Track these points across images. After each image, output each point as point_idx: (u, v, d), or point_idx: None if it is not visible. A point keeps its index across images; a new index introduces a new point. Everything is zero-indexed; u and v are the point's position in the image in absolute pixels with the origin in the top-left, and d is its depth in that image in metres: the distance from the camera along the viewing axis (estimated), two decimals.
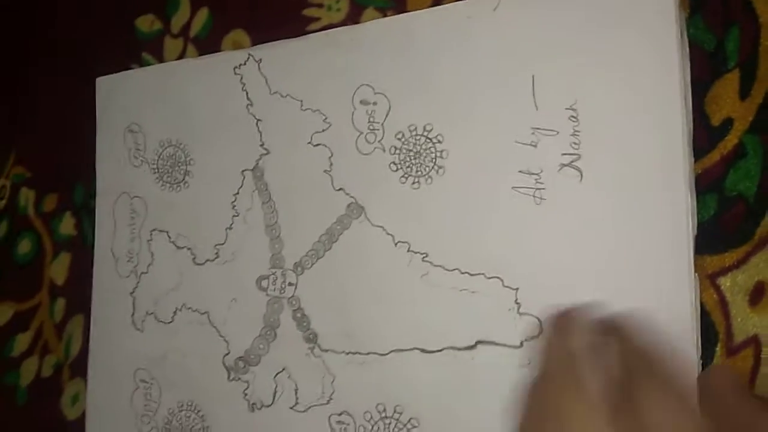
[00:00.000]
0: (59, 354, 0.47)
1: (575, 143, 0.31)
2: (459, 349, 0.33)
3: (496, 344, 0.32)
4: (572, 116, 0.31)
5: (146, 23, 0.47)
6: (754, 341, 0.30)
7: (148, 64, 0.46)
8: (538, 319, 0.32)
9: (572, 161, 0.31)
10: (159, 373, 0.42)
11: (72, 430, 0.45)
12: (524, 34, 0.33)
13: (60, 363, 0.47)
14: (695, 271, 0.29)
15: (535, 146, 0.32)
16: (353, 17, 0.39)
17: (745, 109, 0.31)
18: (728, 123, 0.31)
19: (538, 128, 0.32)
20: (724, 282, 0.30)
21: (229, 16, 0.44)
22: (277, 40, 0.41)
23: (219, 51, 0.43)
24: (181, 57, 0.45)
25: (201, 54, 0.44)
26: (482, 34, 0.34)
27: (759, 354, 0.29)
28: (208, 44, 0.44)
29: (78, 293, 0.46)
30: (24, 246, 0.50)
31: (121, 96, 0.45)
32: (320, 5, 0.41)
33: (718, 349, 0.30)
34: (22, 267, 0.50)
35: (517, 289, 0.32)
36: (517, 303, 0.32)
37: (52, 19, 0.52)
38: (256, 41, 0.42)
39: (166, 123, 0.43)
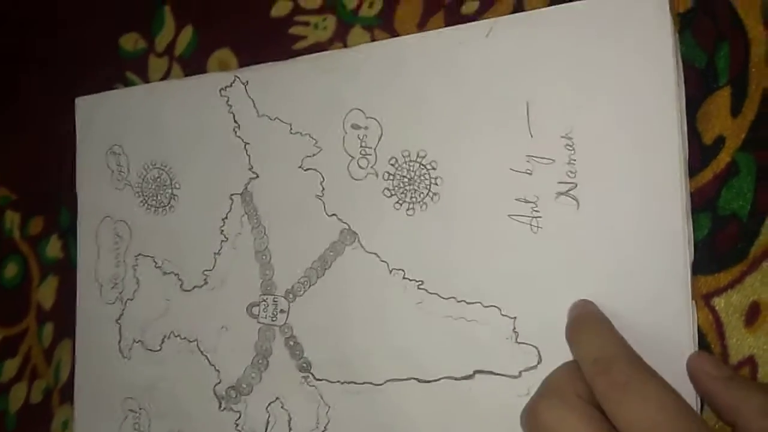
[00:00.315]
0: (48, 379, 0.46)
1: (571, 172, 0.31)
2: (456, 378, 0.33)
3: (494, 374, 0.32)
4: (568, 145, 0.31)
5: (130, 42, 0.46)
6: (750, 362, 0.29)
7: (132, 84, 0.45)
8: (537, 349, 0.31)
9: (568, 190, 0.31)
10: (148, 403, 0.41)
11: None
12: (517, 61, 0.32)
13: (49, 388, 0.46)
14: (692, 298, 0.29)
15: (530, 174, 0.32)
16: (340, 36, 0.39)
17: (737, 126, 0.30)
18: (720, 141, 0.31)
19: (533, 156, 0.32)
20: (719, 302, 0.30)
21: (214, 34, 0.43)
22: (264, 58, 0.40)
23: (205, 70, 0.43)
24: (165, 76, 0.44)
25: (186, 73, 0.43)
26: (474, 60, 0.33)
27: (755, 374, 0.29)
28: (193, 63, 0.43)
29: (66, 317, 0.45)
30: (10, 270, 0.49)
31: (102, 117, 0.44)
32: (306, 23, 0.40)
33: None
34: (8, 291, 0.49)
35: (515, 318, 0.32)
36: (515, 332, 0.32)
37: (34, 38, 0.51)
38: (242, 60, 0.42)
39: (150, 145, 0.42)
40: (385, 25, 0.38)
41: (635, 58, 0.30)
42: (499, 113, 0.33)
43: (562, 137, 0.31)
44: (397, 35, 0.37)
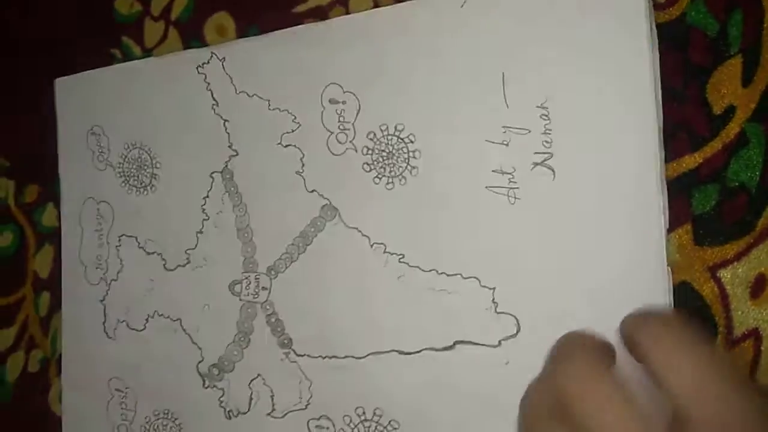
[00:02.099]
0: (45, 349, 0.46)
1: (547, 142, 0.31)
2: (437, 350, 0.33)
3: (474, 344, 0.32)
4: (543, 114, 0.31)
5: (125, 5, 0.45)
6: (755, 334, 0.29)
7: (129, 50, 0.44)
8: (516, 318, 0.32)
9: (544, 160, 0.31)
10: (134, 382, 0.41)
11: (60, 425, 0.45)
12: (492, 30, 0.32)
13: (47, 358, 0.46)
14: (669, 268, 0.29)
15: (507, 145, 0.32)
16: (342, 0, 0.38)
17: (747, 96, 0.30)
18: (730, 111, 0.30)
19: (509, 127, 0.32)
20: (725, 274, 0.30)
21: None
22: (262, 23, 0.39)
23: (202, 35, 0.42)
24: (161, 41, 0.43)
25: (183, 38, 0.42)
26: (450, 30, 0.33)
27: (759, 347, 0.29)
28: (190, 27, 0.42)
29: (62, 287, 0.45)
30: (5, 238, 0.49)
31: (81, 97, 0.44)
32: None
33: (717, 341, 0.29)
34: (4, 260, 0.48)
35: (494, 288, 0.32)
36: (494, 302, 0.32)
37: (29, 3, 0.50)
38: (240, 24, 0.41)
39: (130, 124, 0.42)
40: None
41: (609, 28, 0.30)
42: (475, 85, 0.32)
43: (538, 107, 0.31)
44: None
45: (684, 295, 0.30)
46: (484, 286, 0.32)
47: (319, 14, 0.38)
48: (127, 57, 0.44)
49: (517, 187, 0.32)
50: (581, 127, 0.30)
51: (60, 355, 0.45)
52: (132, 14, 0.45)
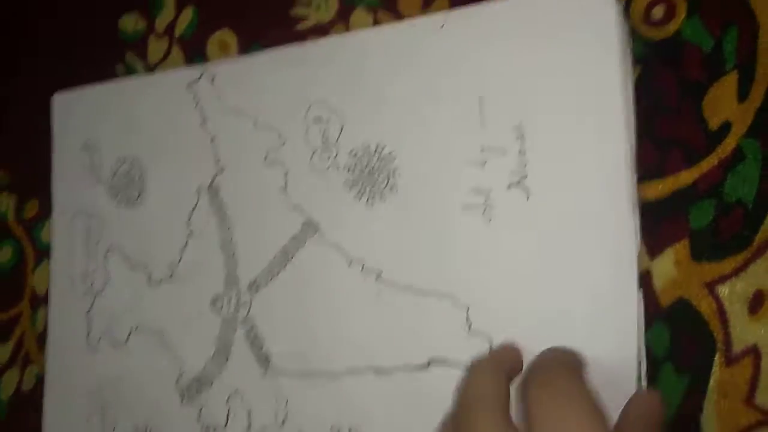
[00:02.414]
0: (41, 365, 0.46)
1: (522, 163, 0.31)
2: (412, 368, 0.33)
3: (449, 363, 0.32)
4: (519, 136, 0.31)
5: (130, 23, 0.46)
6: (754, 350, 0.29)
7: (132, 67, 0.45)
8: (489, 337, 0.31)
9: (519, 180, 0.31)
10: (114, 396, 0.41)
11: None
12: (471, 53, 0.33)
13: (41, 374, 0.46)
14: (641, 291, 0.29)
15: (483, 165, 0.32)
16: (342, 17, 0.38)
17: (743, 112, 0.30)
18: (726, 127, 0.30)
19: (486, 147, 0.32)
20: (722, 290, 0.29)
21: (215, 15, 0.43)
22: (265, 40, 0.40)
23: (204, 51, 0.42)
24: (165, 58, 0.44)
25: (186, 55, 0.43)
26: (430, 53, 0.34)
27: (759, 363, 0.29)
28: (193, 44, 0.43)
29: (49, 299, 0.45)
30: (4, 254, 0.49)
31: (76, 113, 0.44)
32: (308, 4, 0.40)
33: (716, 358, 0.29)
34: (2, 275, 0.49)
35: (468, 307, 0.32)
36: (468, 321, 0.32)
37: (35, 19, 0.51)
38: (243, 41, 0.41)
39: (121, 140, 0.42)
40: (388, 6, 0.37)
41: (583, 51, 0.31)
42: (453, 105, 0.33)
43: (513, 128, 0.32)
44: (401, 16, 0.37)
45: (681, 311, 0.30)
46: (459, 305, 0.32)
47: (321, 32, 0.39)
48: (131, 73, 0.45)
49: (493, 207, 0.32)
50: (555, 148, 0.31)
51: None
52: (137, 31, 0.45)
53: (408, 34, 0.34)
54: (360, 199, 0.35)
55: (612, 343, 0.28)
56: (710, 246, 0.30)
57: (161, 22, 0.44)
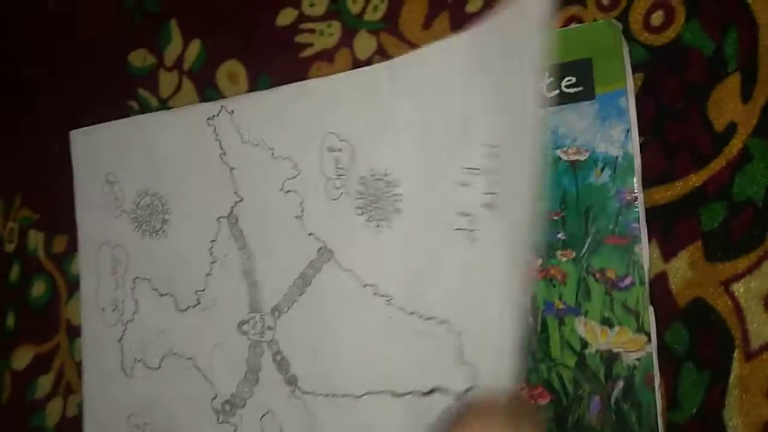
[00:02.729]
0: (82, 393, 0.48)
1: (494, 181, 0.32)
2: (420, 394, 0.34)
3: (447, 392, 0.33)
4: (491, 153, 0.32)
5: (139, 58, 0.47)
6: None
7: (145, 101, 0.46)
8: (476, 368, 0.32)
9: (492, 200, 0.32)
10: (151, 419, 0.43)
11: None
12: (456, 76, 0.33)
13: (83, 401, 0.47)
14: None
15: (467, 186, 0.33)
16: (346, 41, 0.39)
17: (748, 112, 0.30)
18: (732, 128, 0.31)
19: (468, 168, 0.33)
20: (738, 288, 0.30)
21: (221, 46, 0.43)
22: (272, 68, 0.41)
23: (214, 82, 0.43)
24: (177, 91, 0.45)
25: (197, 86, 0.44)
26: (420, 83, 0.35)
27: None
28: (202, 76, 0.44)
29: (82, 329, 0.46)
30: (38, 289, 0.50)
31: (96, 148, 0.46)
32: (312, 31, 0.40)
33: (735, 354, 0.30)
34: (37, 309, 0.50)
35: (460, 333, 0.33)
36: (462, 349, 0.32)
37: (50, 59, 0.52)
38: (251, 71, 0.42)
39: (143, 173, 0.44)
40: (391, 29, 0.38)
41: (521, 77, 0.29)
42: (444, 129, 0.34)
43: (486, 146, 0.32)
44: (403, 38, 0.37)
45: (699, 310, 0.31)
46: (453, 332, 0.33)
47: (326, 57, 0.39)
48: (144, 108, 0.46)
49: (476, 229, 0.32)
50: (517, 165, 0.30)
51: None
52: (146, 66, 0.46)
53: (402, 66, 0.36)
54: (369, 224, 0.36)
55: None
56: (723, 246, 0.30)
57: (170, 56, 0.45)
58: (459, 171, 0.33)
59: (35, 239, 0.51)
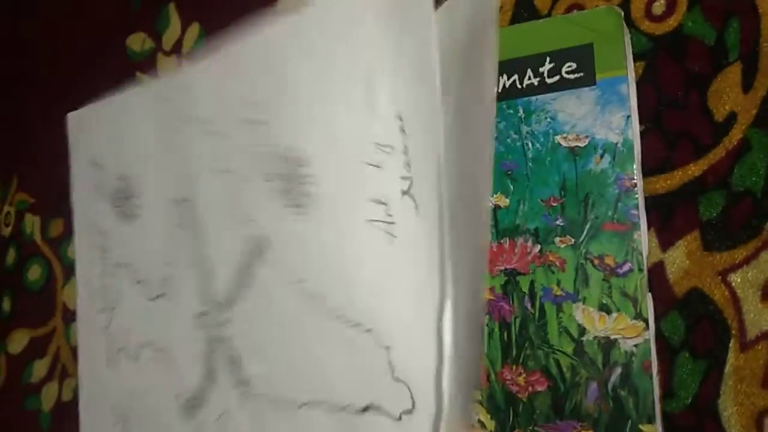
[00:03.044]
0: (78, 377, 0.48)
1: (407, 163, 0.26)
2: (354, 411, 0.29)
3: (381, 412, 0.27)
4: (401, 127, 0.26)
5: (137, 42, 0.46)
6: None
7: None
8: (409, 389, 0.26)
9: (409, 188, 0.26)
10: (130, 411, 0.41)
11: None
12: (360, 26, 0.28)
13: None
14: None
15: (380, 168, 0.27)
16: None
17: (748, 102, 0.30)
18: (732, 117, 0.31)
19: (379, 144, 0.27)
20: (735, 278, 0.30)
21: (220, 29, 0.43)
22: None
23: None
24: None
25: None
26: (330, 44, 0.29)
27: None
28: None
29: (77, 314, 0.46)
30: (34, 272, 0.50)
31: (87, 131, 0.45)
32: None
33: (731, 344, 0.30)
34: (33, 293, 0.50)
35: (388, 347, 0.27)
36: (391, 366, 0.27)
37: (48, 42, 0.51)
38: None
39: (120, 157, 0.42)
40: None
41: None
42: (347, 96, 0.28)
43: (396, 118, 0.27)
44: None
45: (696, 300, 0.31)
46: (380, 344, 0.27)
47: None
48: None
49: (393, 222, 0.27)
50: (428, 143, 0.26)
51: None
52: (144, 50, 0.46)
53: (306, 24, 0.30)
54: (296, 211, 0.31)
55: None
56: (721, 236, 0.30)
57: (168, 40, 0.45)
58: (368, 147, 0.27)
59: (32, 223, 0.50)
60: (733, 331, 0.30)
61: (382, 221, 0.27)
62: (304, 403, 0.31)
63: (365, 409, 0.28)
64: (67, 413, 0.48)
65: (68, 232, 0.49)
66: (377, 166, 0.27)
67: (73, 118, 0.46)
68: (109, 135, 0.43)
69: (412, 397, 0.26)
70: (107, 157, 0.43)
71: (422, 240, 0.26)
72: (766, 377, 0.29)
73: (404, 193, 0.26)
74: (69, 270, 0.49)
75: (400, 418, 0.27)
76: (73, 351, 0.48)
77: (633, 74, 0.32)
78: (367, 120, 0.27)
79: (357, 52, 0.27)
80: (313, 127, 0.29)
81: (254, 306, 0.33)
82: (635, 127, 0.31)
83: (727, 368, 0.30)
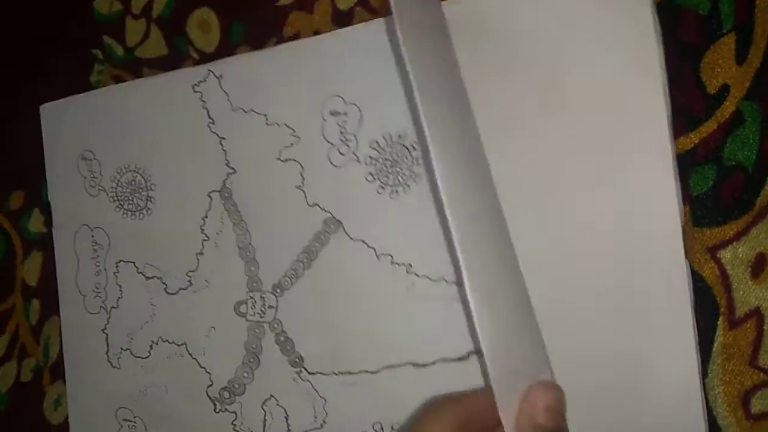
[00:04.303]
0: (38, 357, 0.45)
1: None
2: (451, 360, 0.32)
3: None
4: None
5: (105, 4, 0.44)
6: (757, 313, 0.29)
7: (110, 49, 0.43)
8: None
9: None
10: (142, 411, 0.40)
11: None
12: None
13: (39, 366, 0.45)
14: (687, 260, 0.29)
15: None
16: None
17: (741, 74, 0.29)
18: (725, 90, 0.30)
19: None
20: (725, 255, 0.29)
21: None
22: (246, 16, 0.38)
23: (184, 31, 0.41)
24: (144, 39, 0.42)
25: (165, 35, 0.42)
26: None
27: (761, 326, 0.29)
28: (172, 23, 0.42)
29: (52, 293, 0.44)
30: None
31: (69, 123, 0.43)
32: None
33: (719, 322, 0.29)
34: None
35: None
36: None
37: (9, 3, 0.49)
38: (223, 19, 0.40)
39: (122, 148, 0.41)
40: None
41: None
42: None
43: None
44: None
45: None
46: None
47: (305, 6, 0.37)
48: (109, 57, 0.43)
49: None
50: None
51: (54, 363, 0.44)
52: (112, 13, 0.44)
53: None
54: (383, 191, 0.34)
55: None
56: (711, 211, 0.30)
57: (137, 3, 0.43)
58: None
59: None
60: (722, 309, 0.29)
61: None
62: (380, 369, 0.34)
63: (466, 355, 0.32)
64: (26, 394, 0.46)
65: (29, 204, 0.46)
66: None
67: (49, 110, 0.44)
68: (104, 126, 0.41)
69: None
70: (102, 150, 0.42)
71: None
72: (754, 355, 0.29)
73: None
74: (29, 244, 0.46)
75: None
76: (33, 329, 0.46)
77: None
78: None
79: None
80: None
81: (311, 287, 0.35)
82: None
83: (715, 346, 0.29)
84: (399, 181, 0.34)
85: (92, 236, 0.42)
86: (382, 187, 0.34)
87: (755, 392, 0.29)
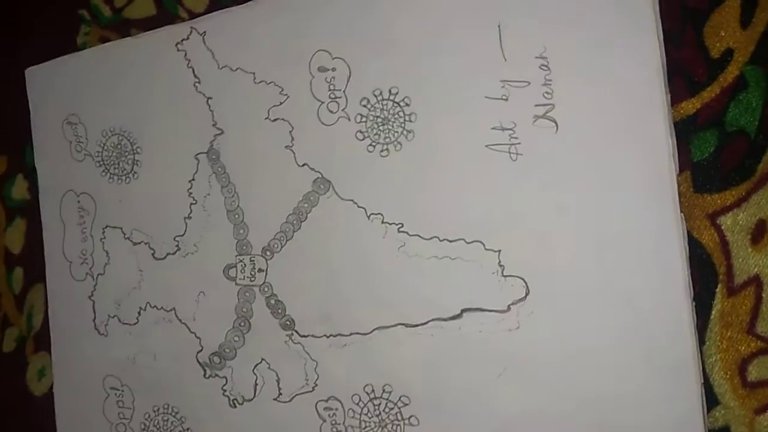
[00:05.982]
0: (21, 326, 0.44)
1: (548, 93, 0.30)
2: (445, 319, 0.32)
3: (483, 310, 0.31)
4: (543, 65, 0.30)
5: None
6: (756, 281, 0.29)
7: (97, 11, 0.42)
8: (523, 280, 0.31)
9: (546, 112, 0.30)
10: (130, 378, 0.39)
11: (40, 405, 0.43)
12: None
13: (23, 336, 0.44)
14: (681, 212, 0.28)
15: (506, 100, 0.30)
16: None
17: (746, 38, 0.29)
18: (728, 54, 0.29)
19: (507, 81, 0.30)
20: (725, 221, 0.29)
21: None
22: None
23: None
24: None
25: None
26: None
27: (760, 293, 0.29)
28: None
29: (36, 261, 0.43)
30: None
31: (55, 86, 0.41)
32: None
33: (718, 290, 0.29)
34: None
35: (499, 251, 0.31)
36: (501, 265, 0.31)
37: None
38: None
39: (107, 110, 0.39)
40: None
41: None
42: (470, 39, 0.31)
43: (537, 58, 0.30)
44: None
45: None
46: (489, 250, 0.31)
47: None
48: (96, 18, 0.42)
49: (519, 143, 0.30)
50: (582, 75, 0.29)
51: (37, 332, 0.43)
52: None
53: None
54: (373, 149, 0.33)
55: (656, 276, 0.28)
56: (712, 177, 0.29)
57: None
58: (493, 84, 0.31)
59: None
60: (721, 276, 0.29)
61: (503, 144, 0.31)
62: (372, 330, 0.33)
63: (460, 314, 0.32)
64: (9, 365, 0.45)
65: (12, 171, 0.45)
66: (503, 99, 0.31)
67: (33, 73, 0.42)
68: (88, 89, 0.40)
69: (527, 286, 0.30)
70: (87, 113, 0.40)
71: (558, 154, 0.30)
72: (752, 323, 0.29)
73: (539, 117, 0.30)
74: (12, 212, 0.45)
75: (508, 309, 0.31)
76: (16, 299, 0.45)
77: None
78: (491, 63, 0.31)
79: (485, 6, 0.31)
80: (414, 72, 0.32)
81: (301, 249, 0.35)
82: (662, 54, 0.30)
83: (713, 314, 0.29)
84: (390, 138, 0.33)
85: (78, 202, 0.41)
86: (373, 146, 0.33)
87: (752, 360, 0.29)
